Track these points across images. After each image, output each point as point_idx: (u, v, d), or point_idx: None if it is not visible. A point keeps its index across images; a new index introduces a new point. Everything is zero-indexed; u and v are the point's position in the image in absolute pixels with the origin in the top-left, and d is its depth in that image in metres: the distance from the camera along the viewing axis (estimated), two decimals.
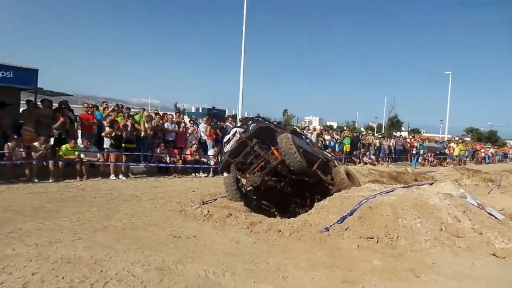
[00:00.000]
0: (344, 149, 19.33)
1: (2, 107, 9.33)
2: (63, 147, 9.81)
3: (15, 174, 9.07)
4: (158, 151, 11.83)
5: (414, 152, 23.63)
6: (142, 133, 11.62)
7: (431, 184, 8.46)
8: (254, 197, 8.64)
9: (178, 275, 3.85)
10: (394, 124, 42.04)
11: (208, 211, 6.48)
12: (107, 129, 10.77)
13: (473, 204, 6.65)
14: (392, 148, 22.51)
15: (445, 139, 31.40)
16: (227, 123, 15.08)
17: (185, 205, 7.20)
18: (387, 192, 6.87)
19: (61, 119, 10.01)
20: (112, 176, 10.48)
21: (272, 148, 7.43)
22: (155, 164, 11.61)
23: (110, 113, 11.22)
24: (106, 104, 12.29)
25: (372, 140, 21.60)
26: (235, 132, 8.38)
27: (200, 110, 36.29)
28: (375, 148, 21.52)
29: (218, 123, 14.74)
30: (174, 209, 6.97)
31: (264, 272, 4.09)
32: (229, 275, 3.93)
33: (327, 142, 18.82)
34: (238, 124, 14.86)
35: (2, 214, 6.08)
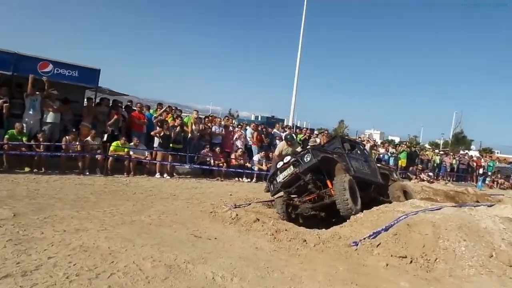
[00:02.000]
0: (400, 163, 18.19)
1: (66, 103, 10.09)
2: (114, 143, 10.36)
3: (70, 166, 9.74)
4: (203, 153, 12.02)
5: (480, 172, 21.55)
6: (189, 135, 11.90)
7: (489, 206, 7.56)
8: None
9: (185, 274, 3.76)
10: (460, 140, 38.67)
11: (237, 215, 6.36)
12: (157, 128, 11.20)
13: None
14: (455, 166, 20.73)
15: None
16: (275, 130, 14.97)
17: (217, 207, 7.16)
18: (432, 210, 6.25)
19: (115, 117, 10.61)
20: (157, 175, 10.83)
21: (328, 180, 7.02)
22: (198, 166, 11.80)
23: (161, 114, 11.66)
24: (161, 106, 12.81)
25: (432, 156, 20.07)
26: (289, 161, 7.44)
27: (259, 118, 36.53)
28: (435, 164, 19.97)
29: (265, 129, 14.66)
30: (205, 210, 6.96)
31: (276, 281, 3.85)
32: (237, 280, 3.76)
33: (381, 156, 17.85)
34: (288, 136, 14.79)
35: (47, 200, 6.50)
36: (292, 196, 7.73)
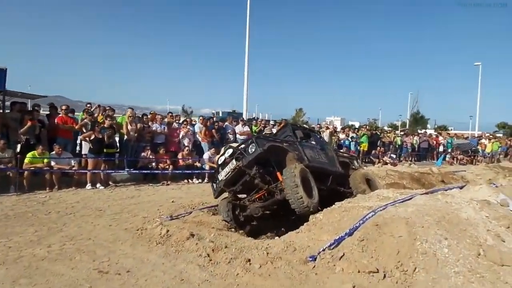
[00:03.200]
0: (362, 148, 17.51)
1: None
2: (29, 154, 8.64)
3: None
4: (143, 156, 10.51)
5: (441, 149, 21.45)
6: (125, 136, 10.35)
7: (461, 187, 6.72)
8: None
9: None
10: (418, 120, 39.14)
11: (168, 231, 5.05)
12: (85, 132, 9.58)
13: None
14: (416, 146, 20.42)
15: (476, 135, 28.82)
16: (226, 123, 13.69)
17: (148, 222, 5.81)
18: (402, 201, 5.25)
19: (29, 123, 8.85)
20: (88, 186, 9.23)
21: (278, 173, 5.87)
22: (137, 171, 10.29)
23: (86, 116, 10.00)
24: (90, 105, 11.12)
25: (394, 138, 19.59)
26: (232, 153, 6.32)
27: (221, 114, 35.00)
28: (397, 146, 19.53)
29: (216, 123, 13.34)
30: (131, 228, 5.59)
31: None
32: None
33: (342, 141, 17.08)
34: (239, 129, 13.59)
35: None
36: (240, 196, 6.54)
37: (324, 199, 7.03)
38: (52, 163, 8.91)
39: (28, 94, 10.39)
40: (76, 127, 9.58)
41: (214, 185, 6.47)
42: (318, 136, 8.13)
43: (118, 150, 10.03)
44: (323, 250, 4.01)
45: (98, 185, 9.41)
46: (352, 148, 17.18)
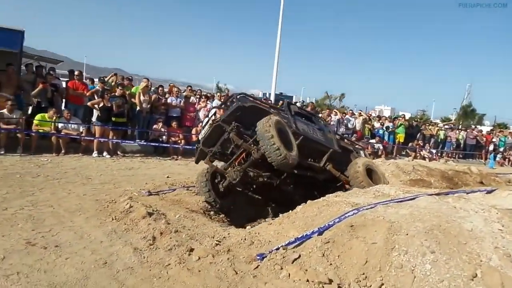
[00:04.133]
0: (397, 139, 16.16)
1: None
2: (38, 116, 8.67)
3: None
4: (154, 128, 10.26)
5: (491, 148, 19.32)
6: (137, 107, 10.13)
7: (489, 192, 5.68)
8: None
9: None
10: (468, 114, 35.59)
11: (131, 207, 4.66)
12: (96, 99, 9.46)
13: None
14: (461, 142, 18.52)
15: None
16: None
17: (122, 196, 5.46)
18: (400, 201, 4.43)
19: (40, 86, 8.85)
20: (95, 153, 9.16)
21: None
22: (145, 143, 10.07)
23: (106, 84, 9.87)
24: (115, 75, 11.02)
25: (436, 131, 17.85)
26: (215, 112, 6.34)
27: (267, 95, 34.48)
28: (439, 140, 17.82)
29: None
30: (104, 199, 5.27)
31: None
32: None
33: (376, 131, 15.84)
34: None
35: None
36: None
37: (324, 185, 6.47)
38: (61, 127, 8.91)
39: (47, 58, 10.45)
40: (88, 94, 9.47)
41: (196, 150, 6.25)
42: (321, 121, 7.37)
43: (127, 120, 9.80)
44: (277, 248, 3.37)
45: (104, 153, 9.31)
46: (386, 138, 15.93)
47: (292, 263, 3.17)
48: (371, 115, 16.41)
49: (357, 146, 8.23)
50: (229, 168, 5.97)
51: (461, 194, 5.40)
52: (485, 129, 28.99)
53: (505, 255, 3.38)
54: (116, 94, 9.55)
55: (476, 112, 37.78)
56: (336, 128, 14.60)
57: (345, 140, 7.97)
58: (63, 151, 8.82)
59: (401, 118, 16.98)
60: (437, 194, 5.03)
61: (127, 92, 10.06)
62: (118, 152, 9.74)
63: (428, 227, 3.53)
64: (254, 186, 6.80)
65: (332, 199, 4.56)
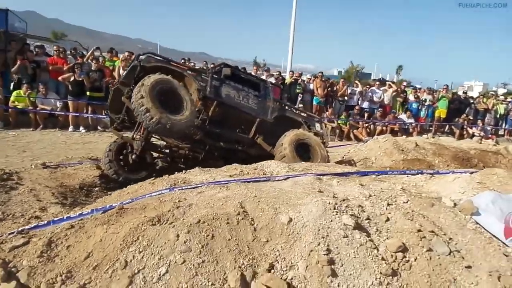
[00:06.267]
0: (438, 114, 13.82)
1: None
2: (15, 93, 8.96)
3: None
4: None
5: None
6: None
7: (432, 174, 4.34)
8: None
9: None
10: None
11: None
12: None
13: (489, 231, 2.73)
14: None
15: None
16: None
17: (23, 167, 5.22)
18: (255, 181, 3.42)
19: (19, 62, 9.09)
20: (70, 128, 9.24)
21: None
22: None
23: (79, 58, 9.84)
24: (98, 48, 11.02)
25: (493, 105, 14.82)
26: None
27: (343, 73, 32.98)
28: (497, 116, 14.85)
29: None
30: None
31: None
32: None
33: (409, 104, 13.71)
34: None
35: None
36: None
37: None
38: (38, 103, 9.10)
39: (31, 35, 10.74)
40: (64, 68, 9.51)
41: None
42: (268, 88, 6.29)
43: (103, 94, 9.66)
44: (12, 233, 2.69)
45: (81, 128, 9.34)
46: (423, 114, 13.71)
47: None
48: (403, 87, 14.20)
49: (314, 118, 7.03)
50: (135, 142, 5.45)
51: (378, 174, 4.15)
52: None
53: (319, 262, 2.33)
54: (93, 68, 9.45)
55: None
56: (358, 101, 12.99)
57: (296, 111, 6.82)
58: (41, 126, 9.04)
59: (442, 90, 14.45)
60: (340, 175, 3.86)
61: (110, 66, 9.93)
62: (99, 127, 9.71)
63: (209, 218, 2.54)
64: (182, 160, 6.19)
65: (176, 176, 3.68)
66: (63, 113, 9.13)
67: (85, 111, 9.49)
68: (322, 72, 12.42)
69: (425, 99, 13.68)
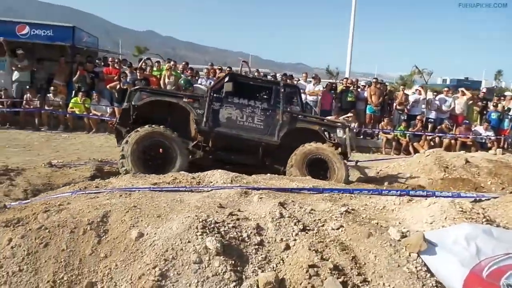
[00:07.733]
0: None
1: (38, 62, 10.44)
2: (72, 100, 10.07)
3: (31, 122, 9.97)
4: None
5: None
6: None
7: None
8: None
9: None
10: None
11: None
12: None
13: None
14: None
15: None
16: (301, 81, 11.79)
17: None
18: (174, 191, 3.23)
19: (78, 73, 10.23)
20: None
21: None
22: None
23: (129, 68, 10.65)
24: (149, 60, 11.82)
25: None
26: None
27: (448, 82, 30.37)
28: None
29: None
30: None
31: None
32: None
33: (488, 114, 11.67)
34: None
35: None
36: None
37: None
38: (92, 109, 10.12)
39: (93, 49, 11.94)
40: (115, 78, 10.38)
41: None
42: (280, 91, 5.80)
43: None
44: None
45: None
46: (506, 125, 11.55)
47: None
48: (481, 95, 12.18)
49: (336, 124, 6.32)
50: None
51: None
52: None
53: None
54: (138, 77, 10.14)
55: None
56: (424, 110, 11.56)
57: (312, 118, 6.29)
58: (93, 130, 10.01)
59: None
60: (279, 190, 3.42)
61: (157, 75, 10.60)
62: None
63: (54, 224, 2.43)
64: None
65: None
66: (108, 118, 9.95)
67: None
68: (376, 78, 11.36)
69: (509, 109, 11.52)
